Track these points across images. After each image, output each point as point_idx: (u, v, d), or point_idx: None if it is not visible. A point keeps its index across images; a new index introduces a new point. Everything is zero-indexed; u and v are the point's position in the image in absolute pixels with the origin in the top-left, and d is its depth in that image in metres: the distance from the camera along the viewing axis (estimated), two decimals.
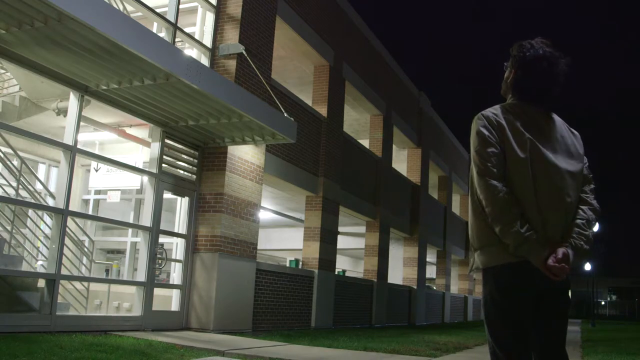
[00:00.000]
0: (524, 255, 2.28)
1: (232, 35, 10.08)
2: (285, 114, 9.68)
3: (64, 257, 7.61)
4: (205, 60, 9.92)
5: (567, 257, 2.24)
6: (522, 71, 2.52)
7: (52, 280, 7.21)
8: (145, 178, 9.27)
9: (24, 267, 8.45)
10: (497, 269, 2.36)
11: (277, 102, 10.28)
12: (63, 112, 8.56)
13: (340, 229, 15.32)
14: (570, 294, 2.52)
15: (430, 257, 24.71)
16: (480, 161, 2.36)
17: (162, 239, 9.33)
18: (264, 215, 17.84)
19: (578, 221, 2.40)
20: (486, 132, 2.39)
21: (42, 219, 9.40)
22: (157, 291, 8.97)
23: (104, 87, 7.66)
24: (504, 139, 2.38)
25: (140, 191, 10.37)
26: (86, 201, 11.04)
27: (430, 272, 26.49)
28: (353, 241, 21.53)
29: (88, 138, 9.84)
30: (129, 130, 9.73)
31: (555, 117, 2.57)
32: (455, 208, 28.62)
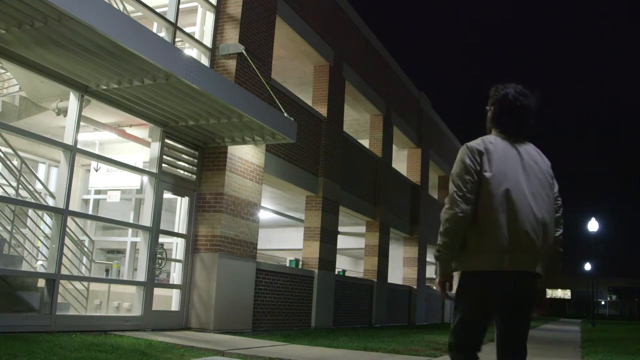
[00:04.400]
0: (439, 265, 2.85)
1: (232, 35, 10.08)
2: (285, 114, 9.68)
3: (64, 257, 7.61)
4: (205, 60, 9.92)
5: (450, 286, 2.83)
6: (499, 108, 3.00)
7: (52, 280, 7.21)
8: (145, 178, 9.27)
9: (24, 267, 8.45)
10: (471, 274, 2.81)
11: (277, 102, 10.28)
12: (63, 112, 8.55)
13: (340, 229, 15.32)
14: (535, 299, 2.92)
15: (430, 257, 24.71)
16: (456, 183, 2.81)
17: (162, 239, 9.33)
18: (264, 215, 17.84)
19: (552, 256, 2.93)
20: (468, 162, 2.82)
21: (42, 219, 9.39)
22: (157, 291, 8.97)
23: (104, 87, 7.65)
24: (483, 166, 2.80)
25: (140, 191, 10.37)
26: (86, 201, 11.03)
27: (430, 272, 26.48)
28: (353, 241, 21.53)
29: (88, 138, 9.83)
30: (129, 130, 9.73)
31: (530, 145, 2.99)
32: None
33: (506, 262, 2.71)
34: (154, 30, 9.49)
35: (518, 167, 2.81)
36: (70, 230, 9.13)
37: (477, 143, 2.88)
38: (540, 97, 3.00)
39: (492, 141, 2.89)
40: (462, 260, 2.84)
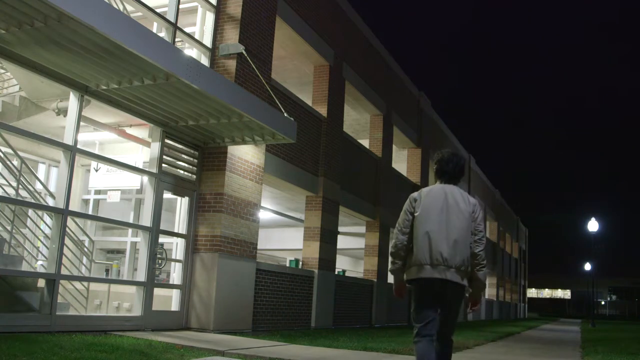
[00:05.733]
0: (394, 276, 4.22)
1: (232, 35, 10.08)
2: (285, 114, 9.68)
3: (64, 257, 7.61)
4: (205, 60, 9.92)
5: (404, 292, 4.23)
6: (437, 167, 4.33)
7: (52, 280, 7.21)
8: (145, 178, 9.27)
9: (24, 267, 8.45)
10: (415, 280, 4.08)
11: (277, 102, 10.28)
12: (63, 112, 8.55)
13: (340, 229, 15.31)
14: (455, 299, 4.07)
15: None
16: (398, 221, 4.23)
17: (162, 239, 9.33)
18: (264, 215, 17.84)
19: (474, 264, 4.09)
20: (406, 207, 4.24)
21: (42, 219, 9.39)
22: (157, 291, 8.97)
23: (104, 87, 7.65)
24: (415, 209, 4.17)
25: (140, 191, 10.36)
26: (86, 201, 11.03)
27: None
28: (353, 241, 21.53)
29: (88, 138, 9.83)
30: (129, 130, 9.73)
31: (457, 189, 4.22)
32: None
33: (424, 273, 3.99)
34: (154, 30, 9.49)
35: (443, 206, 4.08)
36: (70, 230, 9.13)
37: (416, 193, 4.26)
38: (464, 157, 4.45)
39: (430, 189, 4.22)
40: (406, 272, 4.16)
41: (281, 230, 22.33)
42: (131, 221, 10.48)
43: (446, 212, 4.05)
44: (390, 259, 4.22)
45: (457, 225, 4.02)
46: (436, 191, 4.17)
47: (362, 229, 17.84)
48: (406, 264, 4.15)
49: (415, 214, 4.12)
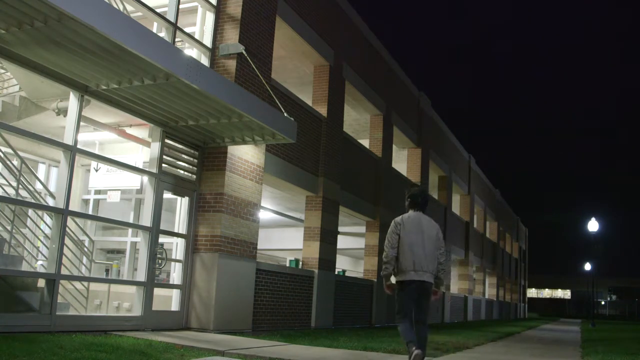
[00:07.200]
0: (385, 279, 5.99)
1: (232, 35, 10.08)
2: (285, 114, 9.68)
3: (64, 257, 7.61)
4: (205, 60, 9.92)
5: (392, 289, 6.00)
6: (408, 199, 6.19)
7: (52, 280, 7.21)
8: (145, 178, 9.27)
9: (24, 267, 8.45)
10: (400, 282, 5.83)
11: (277, 102, 10.28)
12: (63, 112, 8.55)
13: (340, 229, 15.31)
14: (428, 293, 5.88)
15: None
16: (388, 239, 5.94)
17: (162, 239, 9.33)
18: (264, 215, 17.84)
19: (437, 273, 5.99)
20: (393, 228, 5.96)
21: (42, 219, 9.39)
22: (157, 291, 8.97)
23: (104, 87, 7.65)
24: (400, 231, 5.91)
25: (140, 191, 10.37)
26: (86, 201, 11.03)
27: None
28: (353, 241, 21.52)
29: (88, 138, 9.83)
30: (129, 130, 9.73)
31: (425, 216, 6.07)
32: (455, 208, 28.61)
33: (410, 276, 5.78)
34: (154, 30, 9.50)
35: (418, 230, 5.92)
36: (70, 230, 9.13)
37: (399, 218, 6.01)
38: (428, 191, 6.50)
39: (408, 216, 6.04)
40: (396, 276, 5.88)
41: (281, 230, 22.32)
42: (131, 221, 10.48)
43: (422, 234, 5.89)
44: (383, 266, 5.87)
45: (429, 243, 5.90)
46: (413, 218, 6.00)
47: (362, 229, 17.84)
48: (394, 269, 5.85)
49: (400, 234, 5.88)
